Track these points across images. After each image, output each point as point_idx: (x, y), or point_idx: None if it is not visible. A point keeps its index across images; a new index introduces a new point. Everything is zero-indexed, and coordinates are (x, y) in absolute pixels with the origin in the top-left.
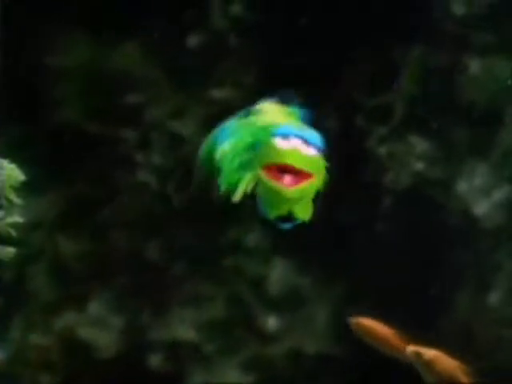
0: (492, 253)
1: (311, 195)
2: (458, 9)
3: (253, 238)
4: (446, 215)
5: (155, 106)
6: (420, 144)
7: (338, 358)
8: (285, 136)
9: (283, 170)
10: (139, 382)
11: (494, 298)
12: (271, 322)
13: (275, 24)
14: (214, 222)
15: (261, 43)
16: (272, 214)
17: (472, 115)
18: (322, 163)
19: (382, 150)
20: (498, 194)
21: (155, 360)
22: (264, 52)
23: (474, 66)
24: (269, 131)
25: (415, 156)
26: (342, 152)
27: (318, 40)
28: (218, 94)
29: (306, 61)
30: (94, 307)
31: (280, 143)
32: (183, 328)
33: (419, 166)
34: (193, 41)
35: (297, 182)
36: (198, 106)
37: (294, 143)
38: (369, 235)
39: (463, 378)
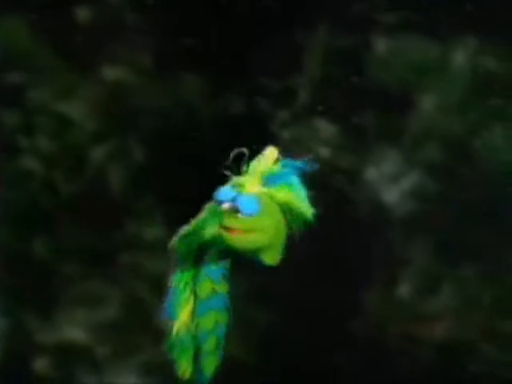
0: (402, 243)
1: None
2: None
3: (152, 233)
4: (353, 204)
5: (40, 86)
6: (326, 129)
7: (245, 362)
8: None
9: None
10: None
11: (403, 292)
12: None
13: (177, 1)
14: (109, 215)
15: (160, 21)
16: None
17: (381, 98)
18: (257, 223)
19: (285, 135)
20: (409, 182)
21: (41, 364)
22: (163, 31)
23: (382, 46)
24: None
25: (321, 141)
26: (244, 138)
27: (220, 20)
28: (110, 73)
29: (207, 42)
30: None
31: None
32: (73, 330)
33: (325, 151)
34: (84, 14)
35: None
36: (88, 87)
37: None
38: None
39: None
